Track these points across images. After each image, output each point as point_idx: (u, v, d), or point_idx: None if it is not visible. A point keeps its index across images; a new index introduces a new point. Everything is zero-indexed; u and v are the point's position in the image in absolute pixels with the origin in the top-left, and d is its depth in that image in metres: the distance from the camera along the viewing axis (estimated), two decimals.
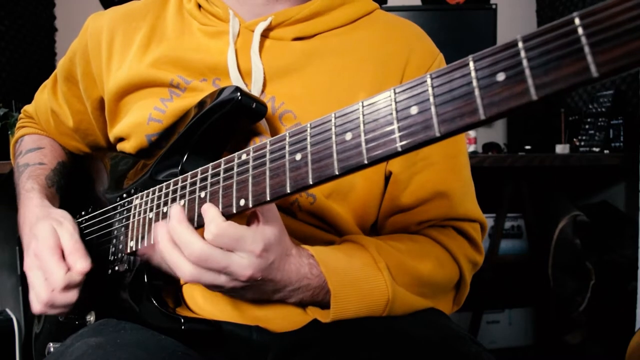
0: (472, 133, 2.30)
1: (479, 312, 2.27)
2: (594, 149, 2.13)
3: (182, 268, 0.63)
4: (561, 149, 2.19)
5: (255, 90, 0.79)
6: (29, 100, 1.07)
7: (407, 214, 0.83)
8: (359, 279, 0.72)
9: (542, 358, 2.35)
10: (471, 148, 2.28)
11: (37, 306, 0.77)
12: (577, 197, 2.37)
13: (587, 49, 0.38)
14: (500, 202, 2.22)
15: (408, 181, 0.81)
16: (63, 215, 0.83)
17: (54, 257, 0.76)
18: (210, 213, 0.62)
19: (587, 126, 2.20)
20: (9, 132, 1.89)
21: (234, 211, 0.61)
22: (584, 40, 0.38)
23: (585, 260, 2.07)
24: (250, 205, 0.59)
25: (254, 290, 0.68)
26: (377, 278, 0.72)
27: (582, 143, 2.20)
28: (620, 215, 2.16)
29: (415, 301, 0.76)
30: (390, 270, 0.74)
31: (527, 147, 2.24)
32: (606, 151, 2.08)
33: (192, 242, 0.62)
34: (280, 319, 0.77)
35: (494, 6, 2.36)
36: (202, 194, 0.66)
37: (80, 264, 0.76)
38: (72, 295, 0.76)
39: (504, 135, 2.67)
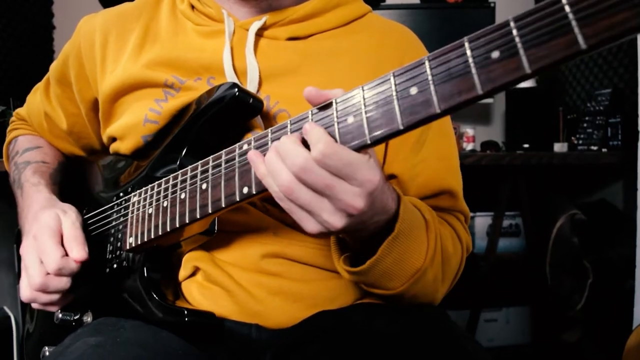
0: (470, 131, 2.30)
1: (476, 310, 2.27)
2: (592, 147, 2.13)
3: (280, 175, 0.55)
4: (559, 147, 2.19)
5: (250, 89, 0.79)
6: (26, 98, 1.07)
7: None
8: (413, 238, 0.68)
9: (540, 356, 2.35)
10: (469, 146, 2.28)
11: (27, 292, 0.76)
12: (575, 196, 2.37)
13: (574, 23, 0.41)
14: (498, 201, 2.22)
15: (411, 182, 0.82)
16: (69, 207, 0.84)
17: (51, 239, 0.76)
18: (316, 131, 0.54)
19: (585, 125, 2.20)
20: (7, 130, 1.88)
21: (237, 199, 0.62)
22: (571, 15, 0.41)
23: (582, 259, 2.07)
24: (254, 192, 0.60)
25: (351, 227, 0.59)
26: (421, 243, 0.70)
27: (580, 141, 2.20)
28: (618, 213, 2.16)
29: (432, 289, 0.75)
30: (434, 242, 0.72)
31: (525, 145, 2.24)
32: (604, 150, 2.08)
33: (296, 151, 0.54)
34: (279, 314, 0.77)
35: (492, 4, 2.36)
36: (204, 185, 0.66)
37: (77, 251, 0.76)
38: (65, 282, 0.76)
39: (502, 133, 2.67)
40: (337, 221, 0.56)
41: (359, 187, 0.54)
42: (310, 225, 0.57)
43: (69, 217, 0.80)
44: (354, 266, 0.69)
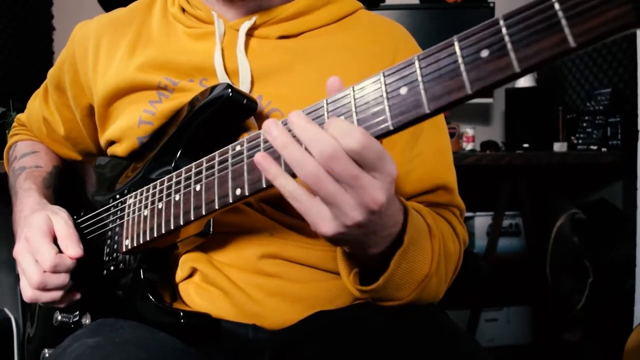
0: (469, 131, 2.29)
1: (477, 310, 2.27)
2: (592, 147, 2.13)
3: (304, 163, 0.52)
4: (559, 147, 2.19)
5: (243, 89, 0.79)
6: (26, 99, 1.08)
7: (408, 200, 0.83)
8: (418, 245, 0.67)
9: (540, 356, 2.35)
10: (469, 146, 2.28)
11: (28, 291, 0.76)
12: (575, 195, 2.37)
13: (564, 22, 0.41)
14: (497, 200, 2.22)
15: (406, 176, 0.82)
16: (59, 208, 0.84)
17: (45, 239, 0.76)
18: (343, 122, 0.51)
19: (584, 124, 2.20)
20: (7, 131, 1.88)
21: (230, 201, 0.61)
22: (560, 14, 0.41)
23: (583, 258, 2.07)
24: (247, 194, 0.59)
25: (367, 228, 0.57)
26: (427, 251, 0.70)
27: (580, 141, 2.20)
28: (618, 213, 2.16)
29: (436, 291, 0.74)
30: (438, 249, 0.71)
31: (525, 145, 2.24)
32: (604, 149, 2.08)
33: (323, 138, 0.51)
34: (277, 315, 0.77)
35: (491, 4, 2.36)
36: (198, 187, 0.66)
37: (72, 249, 0.76)
38: (63, 278, 0.76)
39: (501, 133, 2.67)
40: (357, 215, 0.53)
41: (381, 180, 0.53)
42: (325, 223, 0.55)
43: (60, 217, 0.80)
44: (363, 282, 0.68)
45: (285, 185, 0.54)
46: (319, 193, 0.53)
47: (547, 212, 2.21)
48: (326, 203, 0.54)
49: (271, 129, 0.55)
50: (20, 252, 0.77)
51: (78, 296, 0.81)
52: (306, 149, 0.53)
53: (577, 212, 2.11)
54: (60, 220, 0.79)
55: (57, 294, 0.77)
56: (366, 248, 0.62)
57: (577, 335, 2.12)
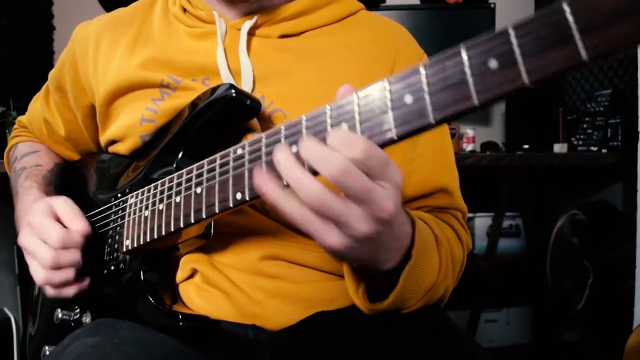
0: (470, 132, 2.30)
1: (477, 310, 2.27)
2: (592, 148, 2.13)
3: (307, 185, 0.50)
4: (559, 148, 2.19)
5: (245, 89, 0.79)
6: (26, 99, 1.08)
7: (409, 204, 0.83)
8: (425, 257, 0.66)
9: (540, 356, 2.35)
10: (469, 147, 2.28)
11: (41, 273, 0.75)
12: (575, 196, 2.38)
13: (576, 34, 0.39)
14: (498, 201, 2.22)
15: (407, 178, 0.82)
16: (59, 196, 0.83)
17: (47, 218, 0.76)
18: (344, 132, 0.50)
19: (585, 125, 2.20)
20: (7, 131, 1.89)
21: (231, 205, 0.61)
22: (573, 25, 0.39)
23: (583, 259, 2.07)
24: (247, 198, 0.59)
25: (377, 242, 0.55)
26: (435, 261, 0.69)
27: (580, 142, 2.20)
28: (618, 214, 2.16)
29: (442, 297, 0.74)
30: (445, 256, 0.71)
31: (525, 146, 2.24)
32: (604, 150, 2.08)
33: (330, 155, 0.49)
34: (278, 316, 0.77)
35: (492, 5, 2.36)
36: (198, 190, 0.66)
37: (77, 223, 0.76)
38: (75, 254, 0.75)
39: (502, 134, 2.67)
40: (365, 228, 0.51)
41: (388, 189, 0.51)
42: (333, 239, 0.52)
43: (60, 199, 0.80)
44: (370, 294, 0.67)
45: (290, 208, 0.52)
46: (326, 214, 0.51)
47: (547, 213, 2.22)
48: (331, 222, 0.52)
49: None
50: (24, 236, 0.77)
51: (87, 282, 0.80)
52: (313, 172, 0.51)
53: (577, 213, 2.11)
54: (60, 200, 0.79)
55: (70, 272, 0.76)
56: (377, 264, 0.61)
57: (577, 336, 2.12)
